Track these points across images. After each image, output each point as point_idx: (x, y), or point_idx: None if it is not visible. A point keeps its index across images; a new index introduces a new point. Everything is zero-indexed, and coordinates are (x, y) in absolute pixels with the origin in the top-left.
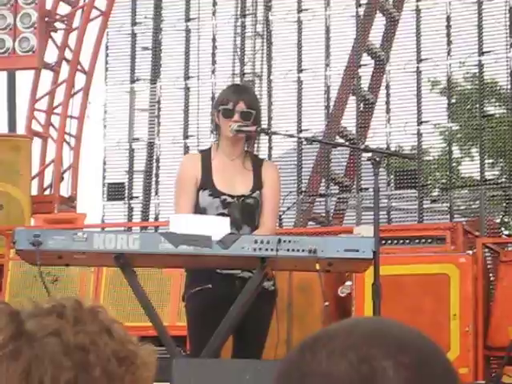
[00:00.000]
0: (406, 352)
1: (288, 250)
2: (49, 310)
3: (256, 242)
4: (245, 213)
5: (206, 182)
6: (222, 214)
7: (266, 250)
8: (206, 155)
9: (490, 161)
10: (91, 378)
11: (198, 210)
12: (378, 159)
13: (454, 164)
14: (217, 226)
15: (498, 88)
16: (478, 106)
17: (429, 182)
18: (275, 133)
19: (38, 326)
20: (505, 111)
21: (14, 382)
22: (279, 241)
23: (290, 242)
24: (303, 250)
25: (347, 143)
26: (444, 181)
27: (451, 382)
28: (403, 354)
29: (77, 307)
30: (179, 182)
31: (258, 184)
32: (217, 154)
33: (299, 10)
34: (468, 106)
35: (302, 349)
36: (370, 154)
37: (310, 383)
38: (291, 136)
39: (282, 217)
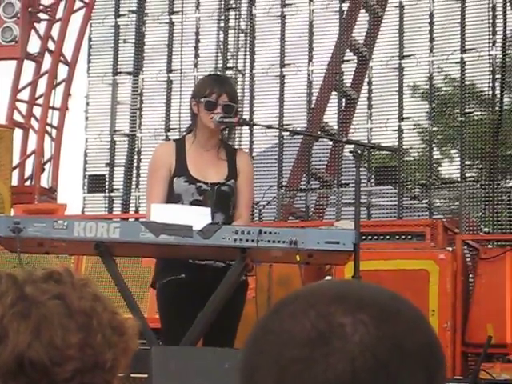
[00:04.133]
0: (365, 309)
1: (269, 241)
2: (45, 277)
3: (237, 232)
4: (220, 200)
5: (181, 169)
6: (197, 201)
7: (247, 240)
8: (180, 144)
9: (469, 162)
10: (96, 343)
11: (173, 196)
12: (359, 152)
13: (433, 165)
14: (198, 216)
15: (479, 90)
16: (458, 107)
17: (409, 179)
18: (256, 124)
19: (38, 290)
20: (485, 113)
21: (26, 339)
22: (260, 232)
23: (270, 233)
24: (284, 242)
25: (329, 136)
26: (424, 181)
27: (420, 339)
28: (362, 311)
29: (71, 275)
30: (153, 169)
31: (232, 173)
32: (192, 143)
33: (283, 5)
34: (448, 109)
35: (270, 310)
36: (351, 149)
37: (272, 340)
38: (272, 128)
39: (263, 211)
